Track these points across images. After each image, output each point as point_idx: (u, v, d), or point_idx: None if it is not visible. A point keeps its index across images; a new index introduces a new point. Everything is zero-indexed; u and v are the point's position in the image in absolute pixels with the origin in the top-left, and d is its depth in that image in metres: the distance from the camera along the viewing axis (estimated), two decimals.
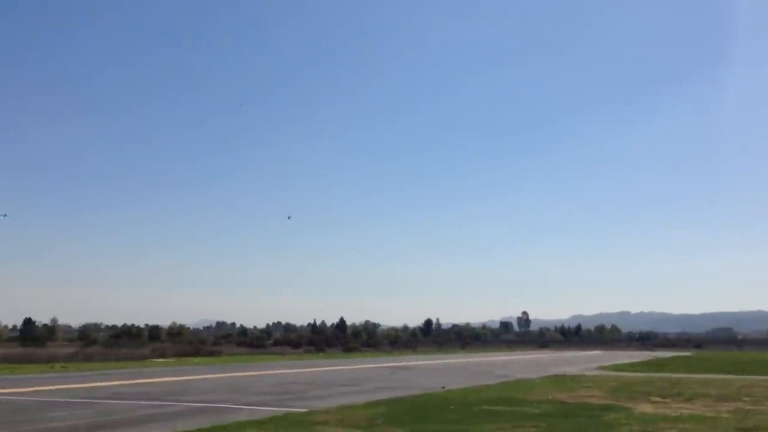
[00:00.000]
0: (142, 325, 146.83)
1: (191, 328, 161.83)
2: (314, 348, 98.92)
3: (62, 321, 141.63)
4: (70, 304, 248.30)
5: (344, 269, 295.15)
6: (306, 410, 17.82)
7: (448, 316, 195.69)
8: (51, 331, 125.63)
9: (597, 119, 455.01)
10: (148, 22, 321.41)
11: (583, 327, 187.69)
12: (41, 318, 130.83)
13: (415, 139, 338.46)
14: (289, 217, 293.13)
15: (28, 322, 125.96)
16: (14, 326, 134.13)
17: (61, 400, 20.80)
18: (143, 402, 20.16)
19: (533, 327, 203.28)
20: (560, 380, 31.33)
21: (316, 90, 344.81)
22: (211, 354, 72.43)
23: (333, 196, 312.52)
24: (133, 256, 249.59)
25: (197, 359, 60.22)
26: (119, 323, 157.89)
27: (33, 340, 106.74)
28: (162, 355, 63.43)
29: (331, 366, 47.36)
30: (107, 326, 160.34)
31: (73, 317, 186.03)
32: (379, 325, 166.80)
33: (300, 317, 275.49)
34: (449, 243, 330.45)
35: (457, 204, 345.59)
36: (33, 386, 26.15)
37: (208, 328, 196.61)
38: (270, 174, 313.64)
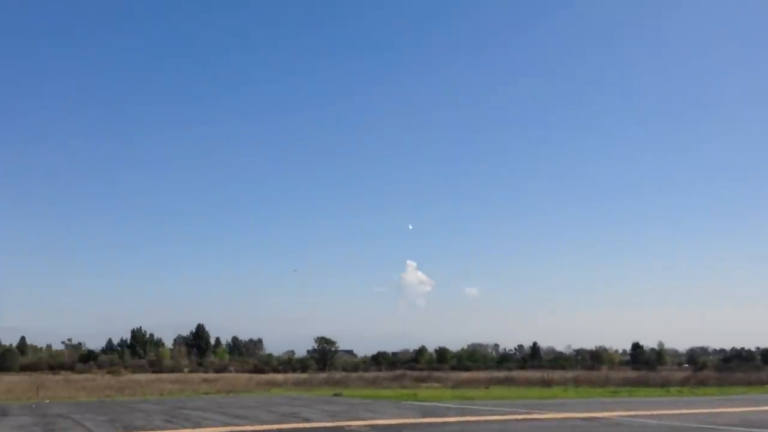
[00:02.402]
0: (752, 348, 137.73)
1: None
2: None
3: (668, 345, 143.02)
4: (675, 328, 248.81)
5: None
6: None
7: None
8: (659, 355, 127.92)
9: None
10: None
11: None
12: (648, 342, 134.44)
13: None
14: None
15: (637, 346, 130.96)
16: (623, 350, 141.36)
17: (687, 425, 20.39)
18: None
19: None
20: None
21: None
22: None
23: None
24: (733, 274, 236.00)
25: None
26: (727, 346, 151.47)
27: (643, 364, 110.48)
28: None
29: None
30: (715, 350, 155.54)
31: (679, 341, 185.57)
32: None
33: None
34: None
35: None
36: (657, 409, 26.47)
37: None
38: None
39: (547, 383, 52.57)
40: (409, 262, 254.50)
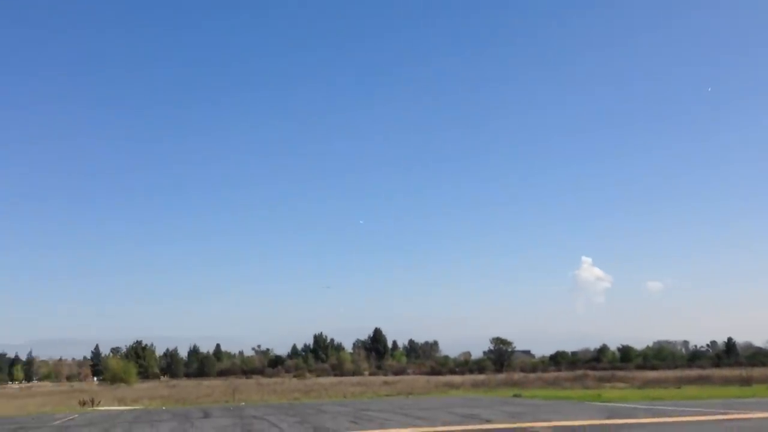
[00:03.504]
0: None
1: None
2: None
3: None
4: None
5: None
6: None
7: None
8: None
9: None
10: None
11: None
12: None
13: None
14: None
15: None
16: None
17: None
18: None
19: None
20: None
21: None
22: None
23: None
24: None
25: None
26: None
27: None
28: None
29: None
30: None
31: None
32: None
33: None
34: None
35: None
36: None
37: None
38: None
39: (746, 381, 48.48)
40: (584, 258, 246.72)
